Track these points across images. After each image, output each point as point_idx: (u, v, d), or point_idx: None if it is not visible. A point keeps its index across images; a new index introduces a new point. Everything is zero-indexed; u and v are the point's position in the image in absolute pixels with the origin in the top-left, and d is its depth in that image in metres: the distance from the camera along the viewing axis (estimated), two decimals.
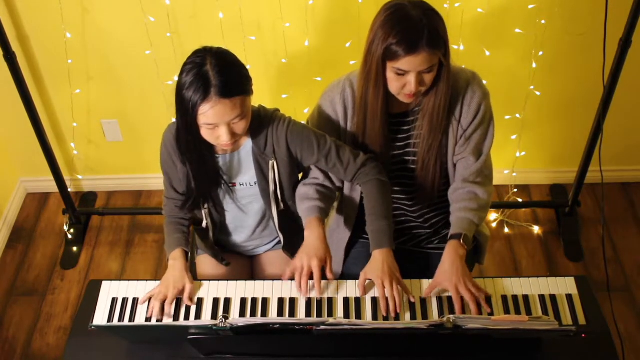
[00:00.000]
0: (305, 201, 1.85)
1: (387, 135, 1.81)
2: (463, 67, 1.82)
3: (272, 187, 1.84)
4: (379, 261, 1.71)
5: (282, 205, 1.88)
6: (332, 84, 1.85)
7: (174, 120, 1.75)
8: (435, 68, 1.64)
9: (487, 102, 1.80)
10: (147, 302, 1.74)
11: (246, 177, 1.84)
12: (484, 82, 1.82)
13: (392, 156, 1.87)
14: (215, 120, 1.60)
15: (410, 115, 1.82)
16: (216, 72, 1.57)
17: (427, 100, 1.74)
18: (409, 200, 1.95)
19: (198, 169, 1.78)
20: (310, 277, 1.72)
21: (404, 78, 1.64)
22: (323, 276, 1.73)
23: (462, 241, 1.75)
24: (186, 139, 1.70)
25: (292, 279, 1.74)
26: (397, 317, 1.67)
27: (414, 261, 2.02)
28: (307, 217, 1.81)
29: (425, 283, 1.74)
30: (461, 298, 1.67)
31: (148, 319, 1.71)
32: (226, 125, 1.62)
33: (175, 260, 1.81)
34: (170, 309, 1.71)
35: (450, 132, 1.80)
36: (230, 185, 1.86)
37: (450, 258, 1.73)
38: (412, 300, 1.70)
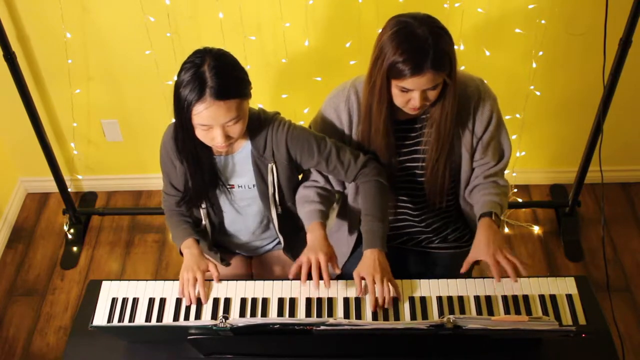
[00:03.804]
0: (306, 204, 1.85)
1: (392, 144, 1.81)
2: (466, 72, 1.82)
3: (271, 190, 1.84)
4: (370, 259, 1.71)
5: (280, 208, 1.88)
6: (337, 90, 1.84)
7: (173, 120, 1.75)
8: (440, 86, 1.65)
9: (497, 106, 1.81)
10: (151, 301, 1.74)
11: (244, 179, 1.84)
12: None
13: (399, 162, 1.86)
14: (208, 121, 1.60)
15: (417, 122, 1.82)
16: (213, 74, 1.57)
17: (434, 110, 1.74)
18: (414, 205, 1.95)
19: (195, 168, 1.78)
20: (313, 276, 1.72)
21: (408, 94, 1.65)
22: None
23: (492, 218, 1.76)
24: (183, 138, 1.70)
25: (296, 278, 1.74)
26: (397, 317, 1.67)
27: (414, 261, 2.02)
28: (310, 223, 1.81)
29: (425, 283, 1.74)
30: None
31: (149, 319, 1.71)
32: (220, 127, 1.62)
33: (190, 247, 1.84)
34: (204, 292, 1.74)
35: (462, 142, 1.81)
36: (228, 186, 1.86)
37: (484, 232, 1.74)
38: (400, 300, 1.70)
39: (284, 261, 2.04)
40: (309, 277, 1.71)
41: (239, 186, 1.86)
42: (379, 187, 1.82)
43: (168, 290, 1.77)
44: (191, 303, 1.73)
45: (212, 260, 1.82)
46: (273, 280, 1.78)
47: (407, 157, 1.86)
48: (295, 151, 1.79)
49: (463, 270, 1.74)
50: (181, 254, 1.88)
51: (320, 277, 1.69)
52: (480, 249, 1.72)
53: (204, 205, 1.89)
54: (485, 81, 1.82)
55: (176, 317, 1.71)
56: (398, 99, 1.67)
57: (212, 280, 1.78)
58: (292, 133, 1.77)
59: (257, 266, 2.08)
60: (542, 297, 1.70)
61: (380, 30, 1.67)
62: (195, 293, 1.74)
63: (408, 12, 1.65)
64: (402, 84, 1.61)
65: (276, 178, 1.82)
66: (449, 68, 1.62)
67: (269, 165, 1.79)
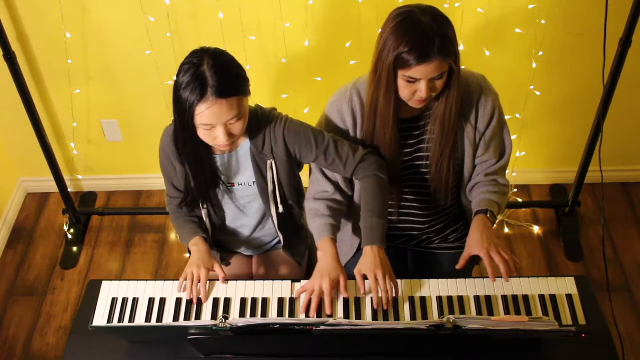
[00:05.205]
0: (317, 218, 1.83)
1: (397, 141, 1.81)
2: (467, 69, 1.82)
3: (270, 187, 1.84)
4: (370, 256, 1.71)
5: (280, 205, 1.88)
6: (338, 93, 1.84)
7: (169, 124, 1.75)
8: (446, 74, 1.64)
9: (499, 102, 1.82)
10: (151, 301, 1.74)
11: (244, 176, 1.85)
12: None
13: (403, 161, 1.86)
14: (211, 120, 1.60)
15: (421, 119, 1.82)
16: (213, 73, 1.57)
17: (438, 105, 1.74)
18: (420, 204, 1.95)
19: (196, 169, 1.78)
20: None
21: (415, 85, 1.64)
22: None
23: (488, 215, 1.77)
24: (184, 139, 1.70)
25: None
26: (397, 317, 1.67)
27: (414, 261, 2.02)
28: (321, 238, 1.80)
29: (425, 283, 1.74)
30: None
31: (148, 319, 1.71)
32: (223, 125, 1.62)
33: (197, 244, 1.85)
34: (205, 291, 1.75)
35: (465, 137, 1.81)
36: (228, 185, 1.86)
37: (479, 228, 1.75)
38: (399, 295, 1.70)
39: (284, 260, 2.04)
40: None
41: (239, 184, 1.86)
42: (378, 183, 1.81)
43: (168, 290, 1.77)
44: (192, 298, 1.74)
45: (217, 260, 1.83)
46: (273, 280, 1.78)
47: (412, 156, 1.86)
48: (294, 145, 1.79)
49: (459, 266, 1.73)
50: (189, 253, 1.88)
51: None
52: (474, 243, 1.72)
53: (205, 205, 1.89)
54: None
55: (176, 317, 1.71)
56: (404, 91, 1.67)
57: (216, 280, 1.78)
58: (290, 127, 1.77)
59: (257, 265, 2.08)
60: (542, 297, 1.70)
61: (383, 26, 1.66)
62: (197, 291, 1.74)
63: (409, 4, 1.65)
64: (409, 74, 1.61)
65: (276, 175, 1.82)
66: (454, 54, 1.62)
67: (268, 162, 1.80)
